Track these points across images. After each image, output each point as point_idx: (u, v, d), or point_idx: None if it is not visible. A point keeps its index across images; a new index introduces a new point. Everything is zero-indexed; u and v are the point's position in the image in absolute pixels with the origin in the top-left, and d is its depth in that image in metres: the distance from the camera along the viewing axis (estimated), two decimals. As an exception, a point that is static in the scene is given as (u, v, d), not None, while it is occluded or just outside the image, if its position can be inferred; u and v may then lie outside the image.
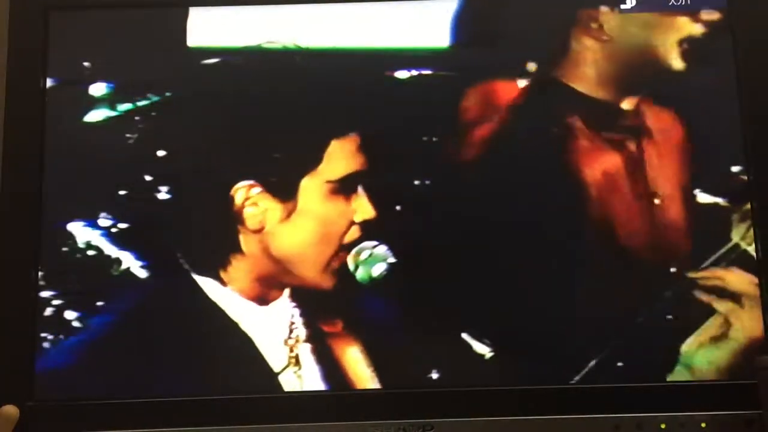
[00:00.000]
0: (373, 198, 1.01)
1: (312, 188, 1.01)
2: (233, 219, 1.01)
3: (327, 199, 1.01)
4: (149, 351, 0.99)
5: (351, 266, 1.00)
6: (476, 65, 1.04)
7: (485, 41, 1.05)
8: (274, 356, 0.99)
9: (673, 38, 1.04)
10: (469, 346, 0.98)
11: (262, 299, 1.00)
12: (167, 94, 1.04)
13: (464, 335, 0.98)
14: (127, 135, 1.03)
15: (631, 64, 1.04)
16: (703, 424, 0.95)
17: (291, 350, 0.99)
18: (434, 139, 1.02)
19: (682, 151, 1.02)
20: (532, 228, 1.01)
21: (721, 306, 0.98)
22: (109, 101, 1.04)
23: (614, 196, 1.01)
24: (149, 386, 0.98)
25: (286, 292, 1.00)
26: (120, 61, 1.05)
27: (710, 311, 0.98)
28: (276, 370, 0.98)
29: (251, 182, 1.02)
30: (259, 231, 1.01)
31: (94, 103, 1.04)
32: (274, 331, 0.99)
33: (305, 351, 0.99)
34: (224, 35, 1.05)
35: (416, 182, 1.02)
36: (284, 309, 1.00)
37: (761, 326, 0.98)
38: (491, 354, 0.98)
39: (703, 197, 1.00)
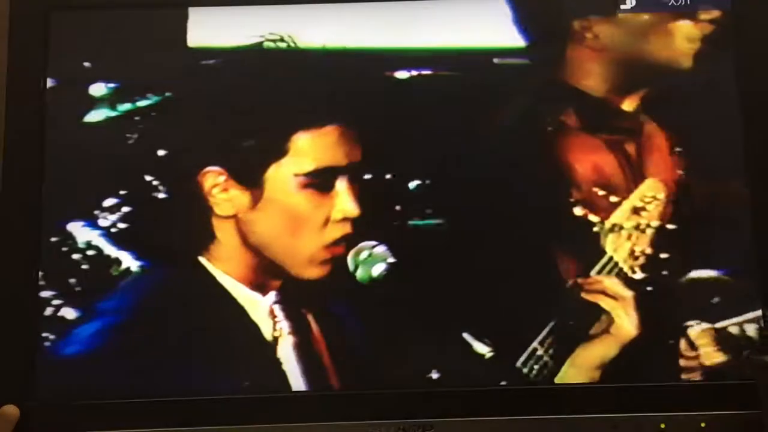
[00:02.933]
0: (366, 197, 1.01)
1: (279, 178, 1.01)
2: (206, 206, 1.01)
3: (297, 192, 1.01)
4: (149, 351, 0.99)
5: (351, 266, 1.00)
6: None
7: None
8: (272, 350, 0.99)
9: (671, 39, 1.04)
10: (469, 346, 0.98)
11: (258, 287, 1.00)
12: (167, 94, 1.04)
13: (464, 335, 0.98)
14: (127, 135, 1.03)
15: (629, 66, 1.04)
16: (703, 424, 0.95)
17: (277, 344, 0.99)
18: (432, 137, 1.02)
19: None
20: (533, 228, 1.01)
21: (609, 305, 0.99)
22: (109, 101, 1.04)
23: (614, 200, 1.01)
24: (149, 386, 0.98)
25: (280, 284, 1.00)
26: (120, 61, 1.05)
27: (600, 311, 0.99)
28: (276, 363, 0.99)
29: (217, 169, 1.02)
30: (232, 217, 1.01)
31: (94, 103, 1.04)
32: (268, 323, 0.99)
33: (298, 348, 0.99)
34: (224, 35, 1.05)
35: (416, 181, 1.02)
36: (275, 303, 1.00)
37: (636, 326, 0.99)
38: (491, 354, 0.98)
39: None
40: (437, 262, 1.00)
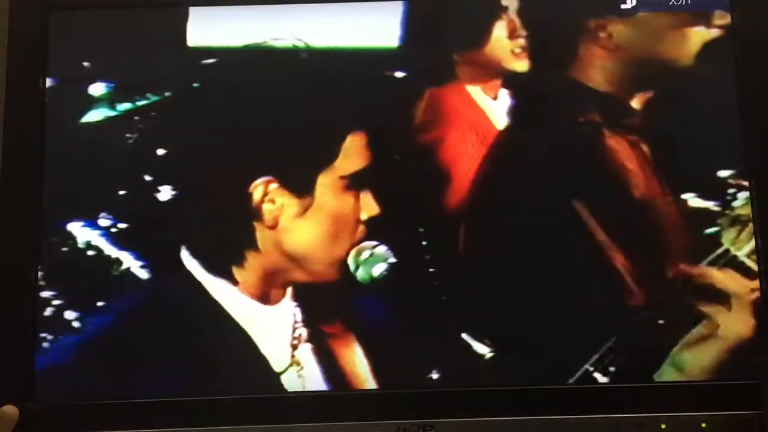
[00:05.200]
0: (377, 196, 1.01)
1: (327, 184, 1.01)
2: (249, 216, 1.01)
3: (340, 195, 1.01)
4: (149, 351, 0.99)
5: (351, 266, 1.00)
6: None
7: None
8: (277, 356, 0.99)
9: (676, 39, 1.04)
10: (469, 346, 0.98)
11: (267, 298, 1.00)
12: (167, 94, 1.04)
13: (464, 335, 0.98)
14: (127, 135, 1.03)
15: (638, 65, 1.04)
16: (703, 424, 0.95)
17: (294, 350, 0.99)
18: (435, 138, 1.03)
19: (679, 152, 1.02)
20: (533, 228, 1.01)
21: (709, 308, 0.98)
22: (109, 101, 1.04)
23: (614, 198, 1.01)
24: (149, 386, 0.98)
25: (290, 290, 1.00)
26: (120, 61, 1.05)
27: (700, 315, 0.98)
28: (278, 370, 0.98)
29: (269, 178, 1.02)
30: (273, 227, 1.01)
31: (94, 103, 1.04)
32: (277, 331, 0.99)
33: (307, 351, 0.99)
34: (224, 35, 1.05)
35: (417, 182, 1.02)
36: (288, 308, 1.00)
37: (750, 326, 0.98)
38: (491, 354, 0.98)
39: (695, 201, 1.01)
40: (437, 262, 1.00)
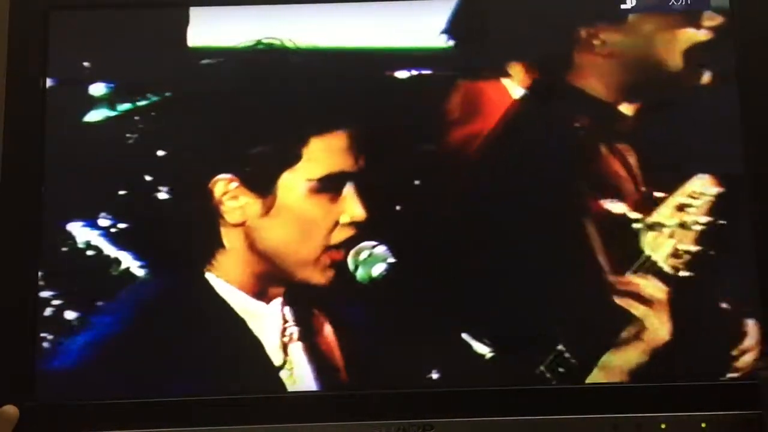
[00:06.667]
0: (368, 198, 1.01)
1: (292, 185, 1.01)
2: (214, 213, 1.01)
3: (309, 197, 1.01)
4: (148, 351, 0.99)
5: (351, 266, 1.00)
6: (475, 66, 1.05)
7: (480, 42, 1.06)
8: (273, 353, 0.99)
9: (673, 40, 1.04)
10: (469, 346, 0.98)
11: (261, 296, 1.00)
12: (167, 94, 1.04)
13: (464, 335, 0.98)
14: (127, 135, 1.03)
15: (634, 70, 1.04)
16: (703, 424, 0.95)
17: (285, 348, 0.99)
18: (433, 138, 1.02)
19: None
20: (533, 228, 1.01)
21: (638, 311, 0.98)
22: (109, 101, 1.04)
23: (615, 199, 1.01)
24: (149, 386, 0.98)
25: (284, 289, 1.00)
26: (120, 61, 1.05)
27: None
28: (276, 365, 0.99)
29: (229, 176, 1.02)
30: (239, 225, 1.01)
31: (94, 103, 1.04)
32: (271, 329, 0.99)
33: (301, 350, 0.99)
34: (224, 35, 1.05)
35: (416, 182, 1.02)
36: (281, 307, 1.00)
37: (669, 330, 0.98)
38: (491, 354, 0.98)
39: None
40: (437, 262, 1.00)
